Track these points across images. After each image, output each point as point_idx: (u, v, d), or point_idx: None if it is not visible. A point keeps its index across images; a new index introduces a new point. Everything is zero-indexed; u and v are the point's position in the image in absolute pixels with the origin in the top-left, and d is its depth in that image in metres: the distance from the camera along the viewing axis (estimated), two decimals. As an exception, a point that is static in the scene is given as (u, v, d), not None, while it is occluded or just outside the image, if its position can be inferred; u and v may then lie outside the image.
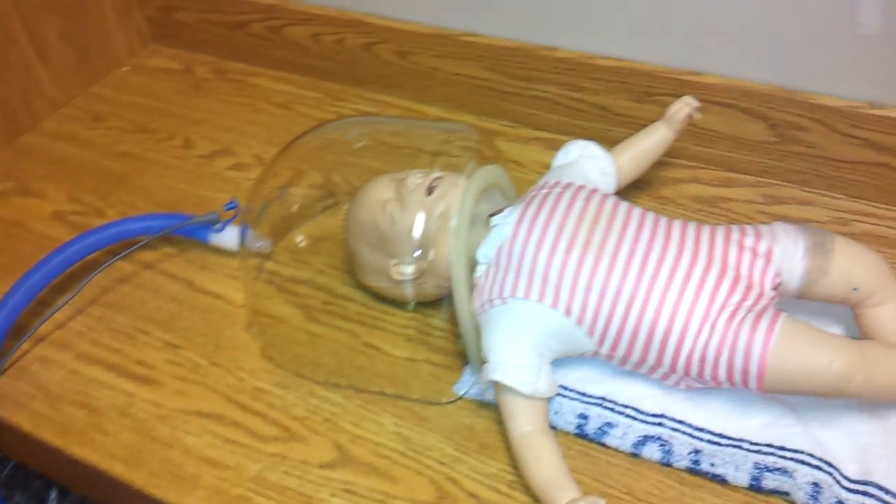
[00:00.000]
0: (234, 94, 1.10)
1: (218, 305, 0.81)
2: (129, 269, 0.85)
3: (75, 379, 0.76)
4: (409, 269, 0.71)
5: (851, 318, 0.68)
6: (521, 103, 0.97)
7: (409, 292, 0.73)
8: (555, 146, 0.80)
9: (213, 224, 0.82)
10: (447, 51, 0.97)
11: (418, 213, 0.69)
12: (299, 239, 0.86)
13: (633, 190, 0.85)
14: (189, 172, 0.98)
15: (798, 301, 0.68)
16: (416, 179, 0.71)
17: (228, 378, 0.74)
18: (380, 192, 0.73)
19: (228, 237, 0.83)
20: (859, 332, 0.67)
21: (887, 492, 0.60)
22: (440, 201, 0.70)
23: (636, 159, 0.79)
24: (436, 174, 0.72)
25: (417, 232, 0.69)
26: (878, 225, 0.82)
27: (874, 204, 0.84)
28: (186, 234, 0.85)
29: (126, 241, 0.82)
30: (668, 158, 0.86)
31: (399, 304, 0.77)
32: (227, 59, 1.16)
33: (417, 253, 0.70)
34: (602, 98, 0.91)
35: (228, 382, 0.74)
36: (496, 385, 0.64)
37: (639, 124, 0.83)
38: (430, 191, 0.71)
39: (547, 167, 0.80)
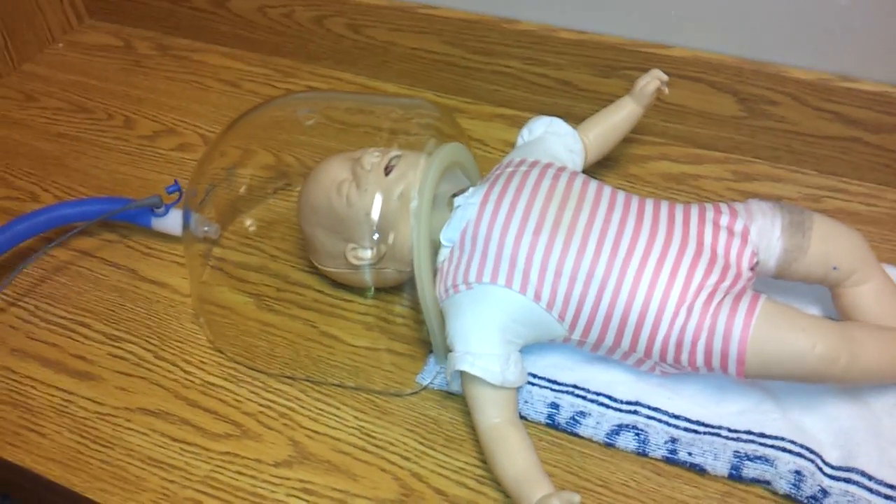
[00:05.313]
0: (177, 71, 1.04)
1: (163, 295, 0.77)
2: (66, 258, 0.81)
3: (8, 376, 0.71)
4: (368, 254, 0.67)
5: (829, 299, 0.66)
6: (483, 79, 0.93)
7: (367, 278, 0.70)
8: (518, 123, 0.77)
9: (155, 208, 0.78)
10: (404, 24, 0.93)
11: (376, 195, 0.66)
12: (249, 223, 0.82)
13: (600, 168, 0.82)
14: (130, 154, 0.93)
15: (774, 281, 0.65)
16: (372, 158, 0.67)
17: (175, 372, 0.70)
18: (335, 172, 0.69)
19: (172, 222, 0.78)
20: (837, 312, 0.65)
21: (870, 478, 0.58)
22: (399, 181, 0.66)
23: (603, 136, 0.76)
24: (394, 153, 0.68)
25: (375, 214, 0.66)
26: (850, 201, 0.80)
27: (845, 180, 0.82)
28: (127, 219, 0.80)
29: (62, 228, 0.78)
30: (635, 135, 0.83)
31: (358, 290, 0.74)
32: (169, 34, 1.10)
33: (376, 236, 0.67)
34: (566, 73, 0.87)
35: (175, 377, 0.70)
36: (462, 375, 0.61)
37: (603, 99, 0.80)
38: (388, 170, 0.67)
39: (510, 145, 0.76)
